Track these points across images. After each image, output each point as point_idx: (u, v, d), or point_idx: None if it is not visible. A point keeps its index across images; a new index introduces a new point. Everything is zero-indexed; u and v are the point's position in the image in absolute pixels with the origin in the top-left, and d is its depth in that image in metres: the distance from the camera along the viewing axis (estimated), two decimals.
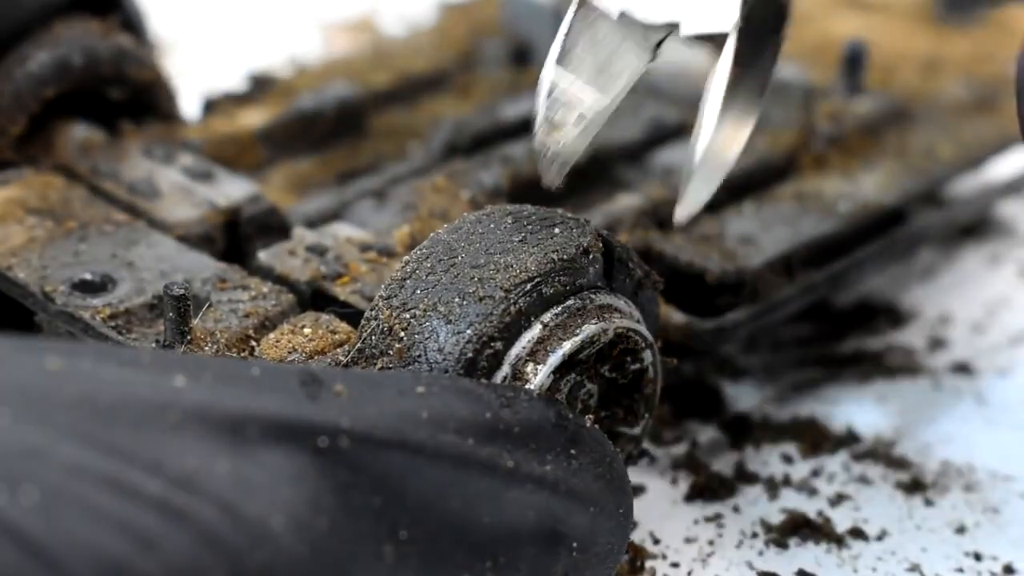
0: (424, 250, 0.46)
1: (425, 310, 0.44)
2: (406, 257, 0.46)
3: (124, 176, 0.57)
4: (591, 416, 0.48)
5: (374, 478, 0.38)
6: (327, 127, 0.63)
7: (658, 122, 0.65)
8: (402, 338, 0.44)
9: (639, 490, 0.55)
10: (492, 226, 0.47)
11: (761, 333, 0.61)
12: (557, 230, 0.47)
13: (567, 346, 0.45)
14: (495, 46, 0.70)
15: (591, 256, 0.47)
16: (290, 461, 0.36)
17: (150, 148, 0.59)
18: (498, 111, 0.65)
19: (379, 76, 0.67)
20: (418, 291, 0.45)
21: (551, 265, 0.46)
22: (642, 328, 0.48)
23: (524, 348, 0.45)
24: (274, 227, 0.56)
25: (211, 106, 0.64)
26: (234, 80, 0.68)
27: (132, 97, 0.60)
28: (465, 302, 0.44)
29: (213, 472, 0.35)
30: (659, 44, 0.47)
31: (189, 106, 0.64)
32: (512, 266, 0.45)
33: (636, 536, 0.53)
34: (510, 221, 0.47)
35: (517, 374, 0.45)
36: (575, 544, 0.42)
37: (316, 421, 0.37)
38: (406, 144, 0.63)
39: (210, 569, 0.34)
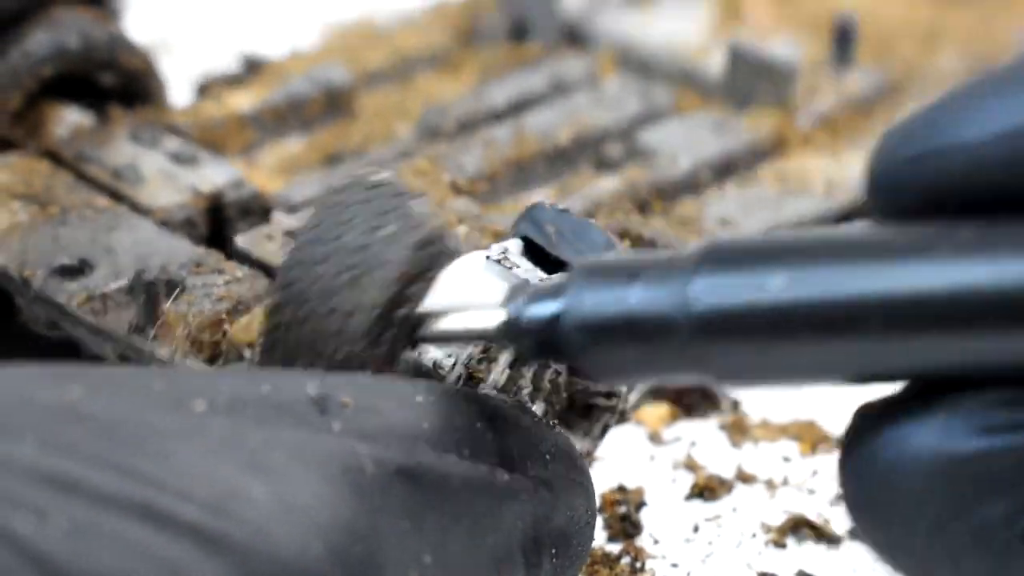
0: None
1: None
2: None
3: (109, 161, 0.57)
4: (564, 395, 0.48)
5: (401, 501, 0.37)
6: (317, 109, 0.63)
7: (648, 101, 0.64)
8: None
9: (639, 491, 0.54)
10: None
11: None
12: (392, 228, 0.40)
13: None
14: (492, 20, 0.70)
15: (436, 244, 0.41)
16: (328, 486, 0.35)
17: (137, 133, 0.59)
18: (485, 93, 0.64)
19: (373, 55, 0.67)
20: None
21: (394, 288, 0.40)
22: None
23: (477, 347, 0.43)
24: (257, 212, 0.56)
25: (203, 90, 0.65)
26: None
27: (123, 84, 0.61)
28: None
29: (250, 497, 0.34)
30: None
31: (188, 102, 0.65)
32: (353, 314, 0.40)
33: (636, 536, 0.53)
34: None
35: (472, 373, 0.43)
36: (555, 550, 0.42)
37: (339, 448, 0.36)
38: (395, 125, 0.63)
39: None
